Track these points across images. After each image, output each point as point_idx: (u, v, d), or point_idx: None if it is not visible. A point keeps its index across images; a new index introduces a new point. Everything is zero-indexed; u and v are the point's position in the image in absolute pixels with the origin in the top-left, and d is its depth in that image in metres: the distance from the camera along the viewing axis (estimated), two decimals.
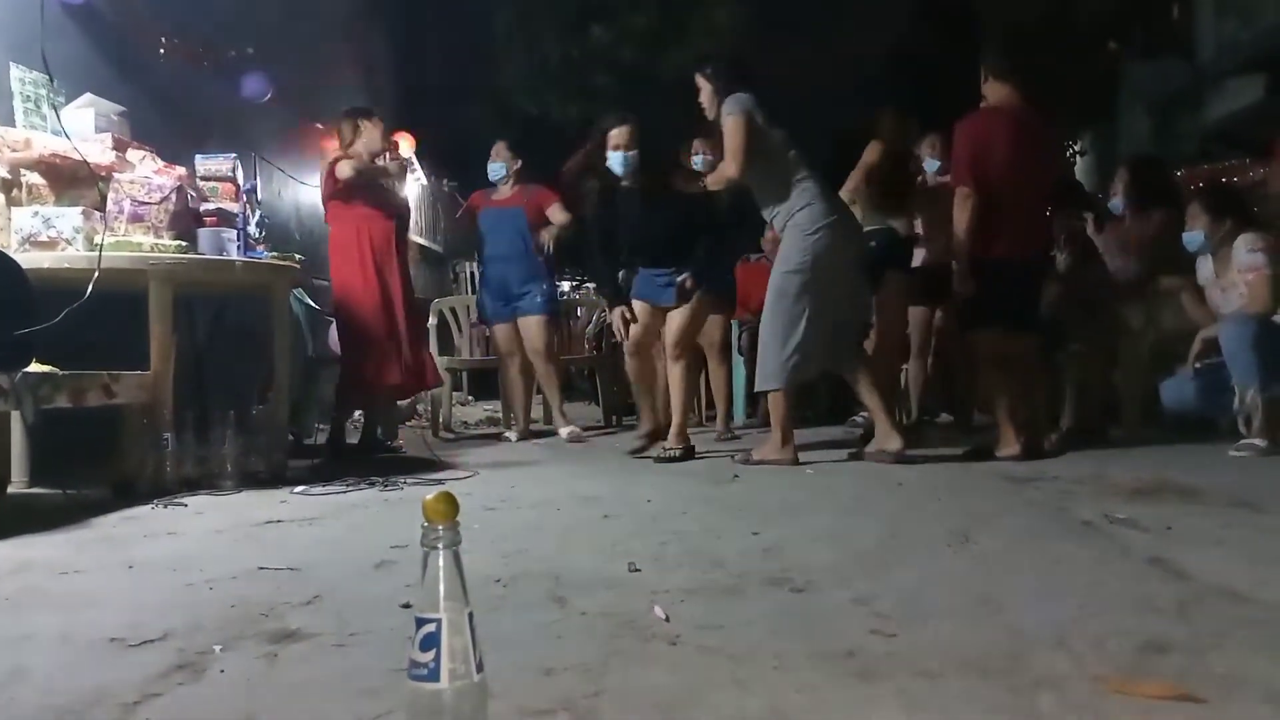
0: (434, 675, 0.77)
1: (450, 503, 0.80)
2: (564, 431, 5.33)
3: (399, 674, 1.36)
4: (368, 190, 4.62)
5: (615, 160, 4.41)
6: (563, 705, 1.24)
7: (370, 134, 4.66)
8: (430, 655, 0.77)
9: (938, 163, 5.14)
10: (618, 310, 4.57)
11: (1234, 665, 1.33)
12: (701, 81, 4.04)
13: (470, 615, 0.79)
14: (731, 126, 3.88)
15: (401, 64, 8.94)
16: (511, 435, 5.48)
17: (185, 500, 3.15)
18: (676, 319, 4.39)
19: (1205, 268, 4.29)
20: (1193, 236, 4.17)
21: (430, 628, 0.77)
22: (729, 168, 3.92)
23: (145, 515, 2.93)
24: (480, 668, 0.79)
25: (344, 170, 4.50)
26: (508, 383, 5.64)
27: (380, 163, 4.75)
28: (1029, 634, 1.50)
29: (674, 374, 4.43)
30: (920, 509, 2.84)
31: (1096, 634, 1.48)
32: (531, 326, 5.31)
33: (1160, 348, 4.50)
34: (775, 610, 1.71)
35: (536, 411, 6.05)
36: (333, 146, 4.92)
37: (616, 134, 4.42)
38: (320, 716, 1.22)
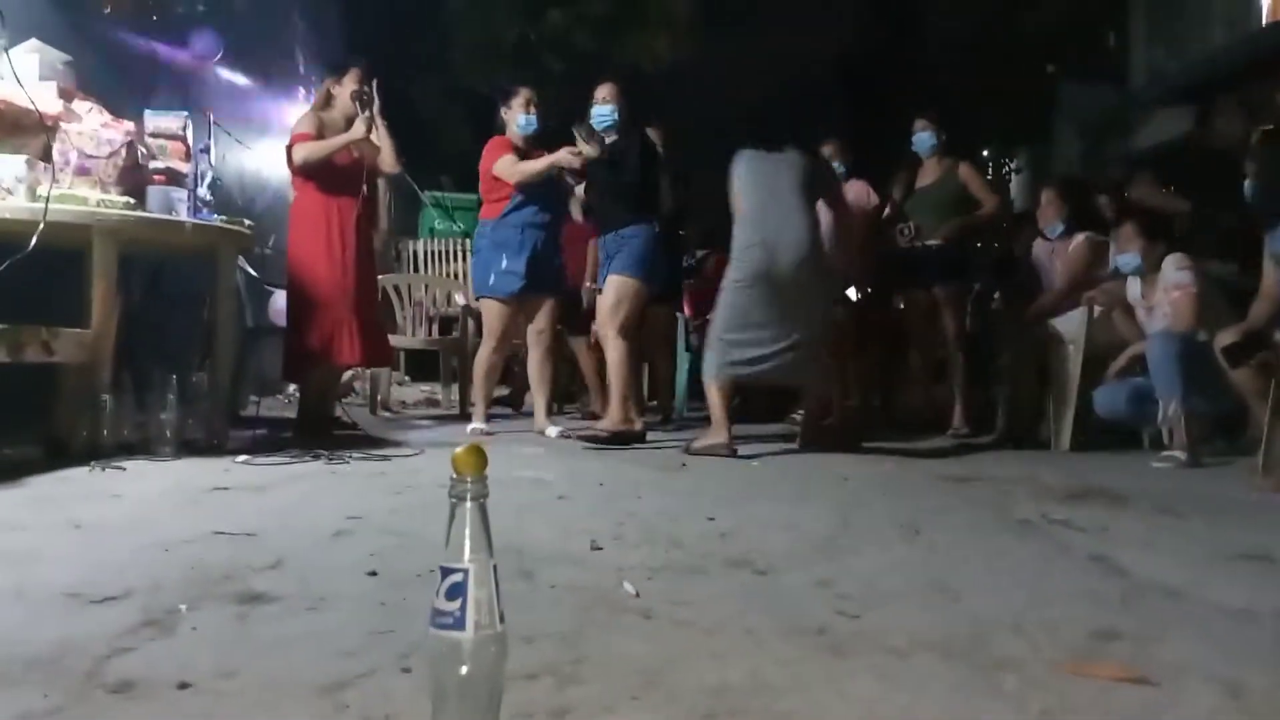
0: (460, 624, 0.78)
1: (479, 455, 0.81)
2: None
3: (376, 636, 1.38)
4: (334, 163, 4.28)
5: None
6: (546, 670, 1.25)
7: (342, 97, 4.32)
8: (456, 604, 0.78)
9: (843, 168, 5.28)
10: None
11: (1180, 654, 1.40)
12: None
13: (494, 568, 0.80)
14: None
15: (351, 31, 8.77)
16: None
17: (123, 464, 3.07)
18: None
19: (1134, 287, 4.45)
20: (1127, 259, 4.32)
21: (457, 577, 0.78)
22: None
23: (82, 477, 2.85)
24: (503, 619, 0.80)
25: (298, 154, 4.21)
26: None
27: (358, 116, 4.26)
28: (986, 619, 1.56)
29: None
30: (867, 502, 2.91)
31: (1049, 621, 1.55)
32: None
33: (1090, 362, 4.65)
34: (741, 590, 1.74)
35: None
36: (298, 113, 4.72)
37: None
38: (302, 674, 1.21)
